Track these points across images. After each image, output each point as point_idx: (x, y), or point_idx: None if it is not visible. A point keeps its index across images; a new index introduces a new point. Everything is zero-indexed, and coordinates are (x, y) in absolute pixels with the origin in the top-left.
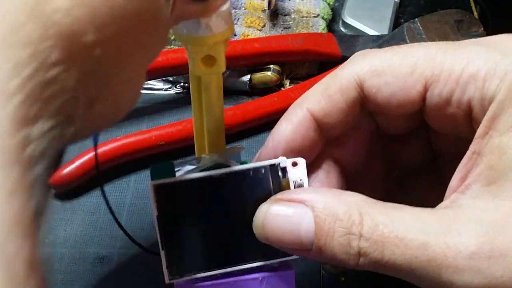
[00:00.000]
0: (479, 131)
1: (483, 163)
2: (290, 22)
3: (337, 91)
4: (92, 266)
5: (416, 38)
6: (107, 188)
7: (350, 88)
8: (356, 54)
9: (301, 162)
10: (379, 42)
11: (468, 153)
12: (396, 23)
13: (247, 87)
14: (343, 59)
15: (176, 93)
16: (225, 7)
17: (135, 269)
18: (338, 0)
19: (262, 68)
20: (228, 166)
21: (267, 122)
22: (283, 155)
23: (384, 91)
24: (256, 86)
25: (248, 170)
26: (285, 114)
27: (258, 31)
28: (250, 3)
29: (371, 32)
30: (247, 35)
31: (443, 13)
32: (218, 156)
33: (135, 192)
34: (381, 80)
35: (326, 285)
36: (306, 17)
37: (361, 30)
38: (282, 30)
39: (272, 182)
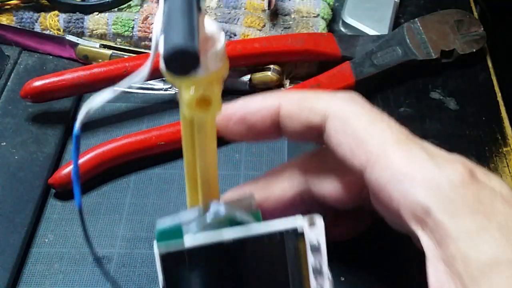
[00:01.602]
0: (431, 240)
1: (452, 272)
2: (290, 22)
3: (309, 109)
4: (92, 266)
5: (416, 38)
6: (107, 188)
7: (318, 112)
8: (347, 92)
9: (319, 221)
10: (379, 42)
11: (431, 261)
12: (396, 23)
13: (247, 87)
14: (343, 59)
15: (176, 93)
16: (220, 45)
17: (135, 269)
18: (338, 0)
19: (262, 68)
20: (239, 222)
21: None
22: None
23: (339, 136)
24: (256, 86)
25: (262, 236)
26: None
27: (258, 31)
28: (250, 3)
29: (371, 32)
30: (247, 35)
31: (443, 13)
32: (227, 208)
33: (135, 192)
34: (342, 127)
35: None
36: (306, 17)
37: (361, 30)
38: (282, 30)
39: (287, 247)
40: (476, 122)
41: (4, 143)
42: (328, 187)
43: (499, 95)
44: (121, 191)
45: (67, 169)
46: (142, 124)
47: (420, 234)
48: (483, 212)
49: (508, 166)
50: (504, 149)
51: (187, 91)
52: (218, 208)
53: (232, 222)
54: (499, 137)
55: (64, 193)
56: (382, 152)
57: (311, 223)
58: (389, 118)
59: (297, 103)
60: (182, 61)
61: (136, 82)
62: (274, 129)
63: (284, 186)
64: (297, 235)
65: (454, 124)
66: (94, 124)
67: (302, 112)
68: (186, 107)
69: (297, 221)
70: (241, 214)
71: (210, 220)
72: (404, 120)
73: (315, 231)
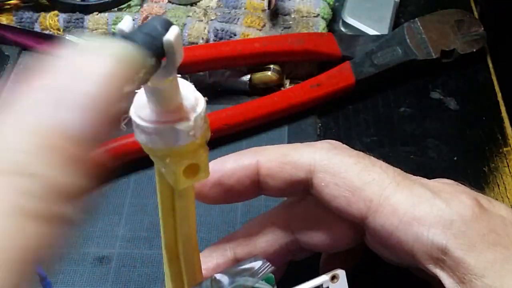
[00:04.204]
0: (452, 278)
1: None
2: (290, 22)
3: (292, 166)
4: (92, 266)
5: (416, 38)
6: (107, 188)
7: (302, 167)
8: (326, 141)
9: (341, 274)
10: (379, 42)
11: None
12: (396, 23)
13: (247, 87)
14: (343, 59)
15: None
16: (201, 106)
17: (135, 269)
18: (338, 0)
19: (262, 68)
20: None
21: (267, 122)
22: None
23: (331, 189)
24: (256, 86)
25: None
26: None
27: (258, 31)
28: (250, 3)
29: (371, 32)
30: (247, 35)
31: (443, 13)
32: (230, 276)
33: (135, 192)
34: (332, 180)
35: None
36: (306, 17)
37: (361, 30)
38: (282, 30)
39: None
40: (476, 122)
41: None
42: (320, 236)
43: (499, 95)
44: (121, 191)
45: None
46: None
47: (440, 273)
48: (500, 242)
49: (508, 166)
50: (504, 149)
51: (174, 162)
52: (223, 281)
53: None
54: (499, 137)
55: None
56: (383, 198)
57: (333, 277)
58: (379, 160)
59: (277, 160)
60: None
61: None
62: (254, 188)
63: (268, 239)
64: None
65: (454, 124)
66: None
67: (284, 169)
68: (173, 180)
69: (322, 281)
70: (259, 283)
71: None
72: (404, 120)
73: (337, 285)
